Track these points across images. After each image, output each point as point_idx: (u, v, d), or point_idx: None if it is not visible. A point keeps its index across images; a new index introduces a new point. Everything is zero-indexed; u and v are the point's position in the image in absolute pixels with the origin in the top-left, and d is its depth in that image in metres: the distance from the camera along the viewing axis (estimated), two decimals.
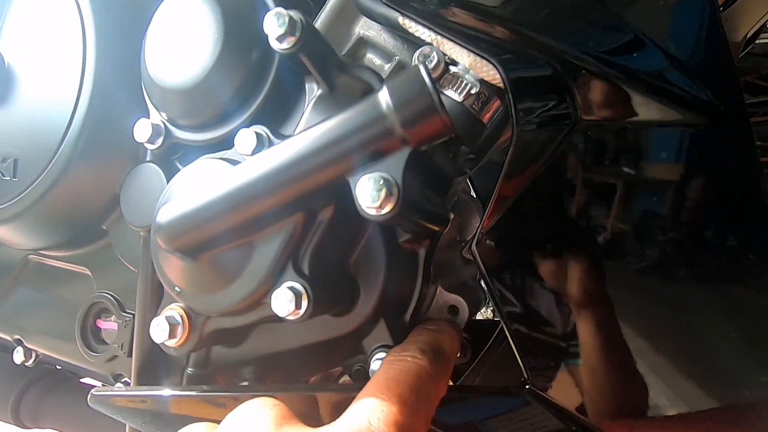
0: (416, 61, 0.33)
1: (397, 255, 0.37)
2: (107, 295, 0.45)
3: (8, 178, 0.40)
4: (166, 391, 0.34)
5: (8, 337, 0.52)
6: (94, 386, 0.58)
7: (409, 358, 0.27)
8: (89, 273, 0.47)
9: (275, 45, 0.29)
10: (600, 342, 0.33)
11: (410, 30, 0.33)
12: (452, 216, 0.41)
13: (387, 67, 0.37)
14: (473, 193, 0.53)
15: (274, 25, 0.28)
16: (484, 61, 0.31)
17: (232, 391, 0.35)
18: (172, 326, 0.33)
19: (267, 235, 0.30)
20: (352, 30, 0.39)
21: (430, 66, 0.33)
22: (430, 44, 0.33)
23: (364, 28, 0.38)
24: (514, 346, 0.35)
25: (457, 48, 0.32)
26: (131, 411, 0.38)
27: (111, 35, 0.39)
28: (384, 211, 0.25)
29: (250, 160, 0.29)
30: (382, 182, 0.24)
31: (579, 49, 0.31)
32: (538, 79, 0.31)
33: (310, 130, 0.27)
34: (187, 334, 0.34)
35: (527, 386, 0.34)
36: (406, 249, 0.37)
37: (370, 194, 0.25)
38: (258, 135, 0.32)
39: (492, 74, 0.32)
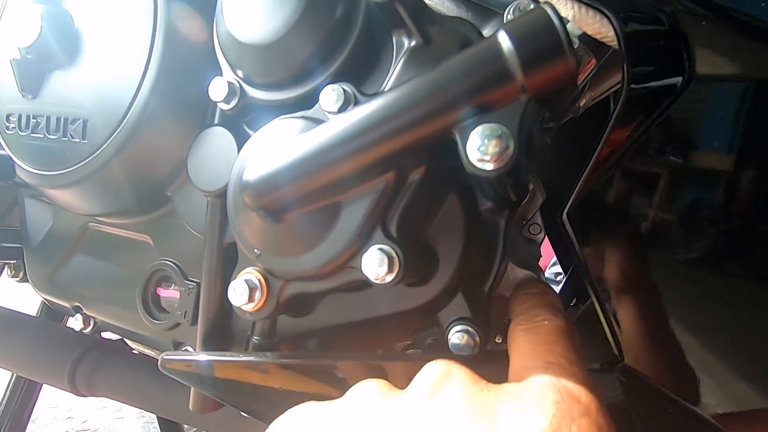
0: (509, 14, 0.31)
1: (478, 224, 0.35)
2: (169, 263, 0.44)
3: (77, 140, 0.39)
4: (245, 356, 0.34)
5: (67, 305, 0.52)
6: (146, 356, 0.58)
7: (546, 321, 0.25)
8: (150, 241, 0.46)
9: None
10: (697, 335, 0.31)
11: None
12: (531, 187, 0.39)
13: None
14: None
15: None
16: (591, 12, 0.29)
17: (313, 357, 0.34)
18: (251, 290, 0.32)
19: (356, 194, 0.28)
20: None
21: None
22: None
23: None
24: (605, 321, 0.33)
25: None
26: (200, 378, 0.37)
27: None
28: (496, 166, 0.23)
29: (342, 116, 0.27)
30: (500, 133, 0.23)
31: None
32: (653, 33, 0.28)
33: (412, 81, 0.25)
34: (265, 298, 0.33)
35: (620, 363, 0.32)
36: (487, 219, 0.35)
37: (484, 147, 0.23)
38: (344, 91, 0.30)
39: (598, 27, 0.29)
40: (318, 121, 0.31)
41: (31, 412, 0.77)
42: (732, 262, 0.29)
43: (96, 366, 0.55)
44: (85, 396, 0.57)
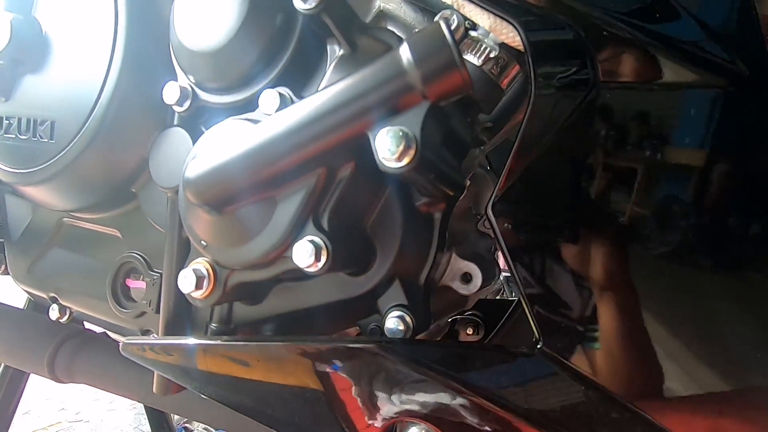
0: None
1: (414, 218, 0.38)
2: (136, 255, 0.47)
3: (46, 140, 0.42)
4: (192, 341, 0.36)
5: (44, 295, 0.55)
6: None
7: None
8: (119, 234, 0.49)
9: (299, 5, 0.30)
10: (617, 319, 0.33)
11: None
12: (468, 183, 0.42)
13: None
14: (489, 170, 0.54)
15: None
16: (505, 23, 0.31)
17: (257, 341, 0.36)
18: (199, 278, 0.35)
19: (289, 190, 0.31)
20: (372, 3, 0.40)
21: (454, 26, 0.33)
22: (451, 7, 0.33)
23: (385, 0, 0.39)
24: (526, 307, 0.36)
25: (478, 10, 0.32)
26: (159, 364, 0.40)
27: (142, 2, 0.41)
28: (402, 164, 0.26)
29: (273, 117, 0.30)
30: (401, 134, 0.25)
31: (603, 11, 0.31)
32: (559, 42, 0.31)
33: (331, 87, 0.28)
34: (212, 286, 0.35)
35: (538, 346, 0.35)
36: (423, 212, 0.38)
37: (389, 146, 0.26)
38: (281, 95, 0.33)
39: (512, 36, 0.32)
40: (256, 122, 0.34)
41: (17, 404, 0.80)
42: (641, 257, 0.32)
43: (75, 353, 0.58)
44: (65, 382, 0.60)
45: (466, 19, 0.34)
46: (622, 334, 0.34)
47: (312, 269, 0.31)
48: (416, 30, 0.38)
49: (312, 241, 0.31)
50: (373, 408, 0.36)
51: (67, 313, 0.54)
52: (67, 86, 0.41)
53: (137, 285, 0.49)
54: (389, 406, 0.35)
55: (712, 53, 0.30)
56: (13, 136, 0.44)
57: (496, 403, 0.33)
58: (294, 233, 0.32)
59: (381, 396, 0.35)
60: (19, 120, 0.44)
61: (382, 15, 0.40)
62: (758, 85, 0.29)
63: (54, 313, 0.54)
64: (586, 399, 0.34)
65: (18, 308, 0.64)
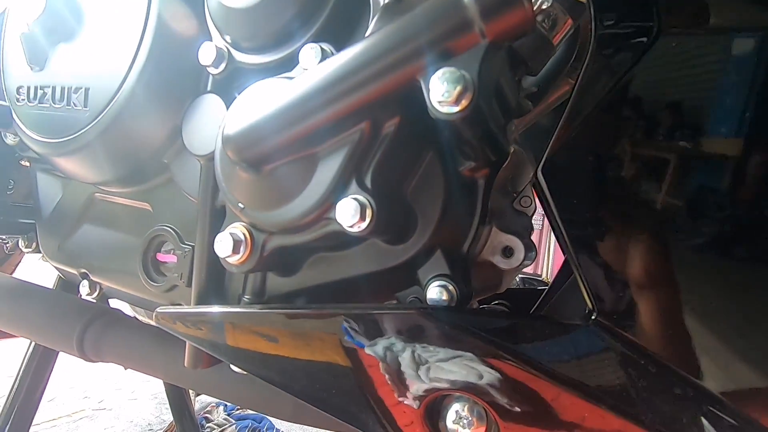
0: None
1: (457, 183, 0.36)
2: (167, 228, 0.47)
3: (80, 108, 0.42)
4: (229, 308, 0.35)
5: (75, 271, 0.55)
6: (149, 324, 0.61)
7: None
8: (149, 208, 0.48)
9: None
10: (675, 291, 0.31)
11: None
12: (513, 150, 0.40)
13: None
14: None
15: None
16: None
17: (294, 309, 0.35)
18: (236, 242, 0.34)
19: (332, 146, 0.30)
20: None
21: None
22: None
23: None
24: (579, 276, 0.33)
25: None
26: (193, 335, 0.39)
27: None
28: (457, 108, 0.24)
29: (316, 68, 0.28)
30: (458, 75, 0.24)
31: None
32: None
33: (379, 32, 0.27)
34: (249, 251, 0.34)
35: (593, 317, 0.33)
36: (466, 178, 0.36)
37: (445, 88, 0.24)
38: (323, 50, 0.31)
39: None
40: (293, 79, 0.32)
41: (44, 387, 0.81)
42: (705, 225, 0.30)
43: (103, 332, 0.57)
44: (93, 361, 0.59)
45: None
46: (681, 308, 0.31)
47: (355, 228, 0.29)
48: None
49: (356, 199, 0.29)
50: (416, 382, 0.34)
51: (98, 289, 0.54)
52: (100, 53, 0.41)
53: (168, 259, 0.48)
54: (432, 379, 0.33)
55: None
56: (48, 105, 0.44)
57: (548, 375, 0.31)
58: (337, 192, 0.30)
59: (423, 369, 0.33)
60: (53, 89, 0.43)
61: None
62: None
63: (84, 289, 0.54)
64: (644, 372, 0.32)
65: (47, 287, 0.64)
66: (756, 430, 0.28)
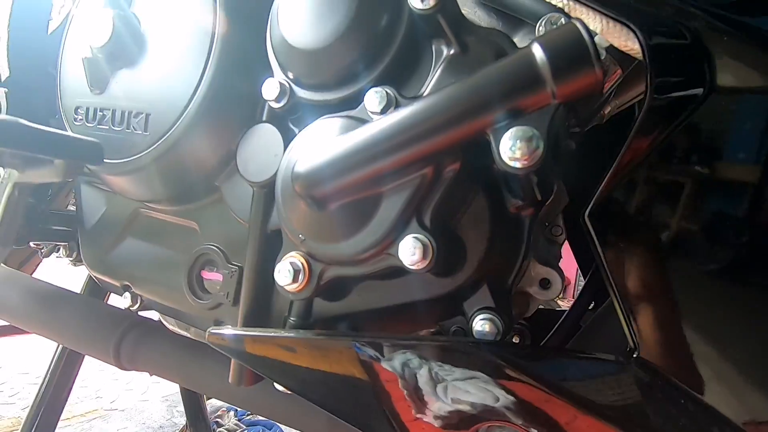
0: (542, 27, 0.34)
1: (504, 220, 0.37)
2: (213, 248, 0.48)
3: (140, 132, 0.44)
4: (290, 333, 0.37)
5: (117, 283, 0.57)
6: (183, 336, 0.62)
7: None
8: (196, 227, 0.50)
9: (415, 5, 0.30)
10: (715, 333, 0.32)
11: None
12: (555, 188, 0.42)
13: None
14: None
15: None
16: (618, 26, 0.31)
17: (353, 336, 0.37)
18: (296, 272, 0.35)
19: (396, 187, 0.31)
20: None
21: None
22: (558, 9, 0.33)
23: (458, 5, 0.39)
24: (622, 314, 0.35)
25: (589, 12, 0.32)
26: (244, 354, 0.41)
27: (240, 3, 0.42)
28: (526, 165, 0.26)
29: (390, 115, 0.30)
30: (530, 135, 0.25)
31: (714, 11, 0.30)
32: (676, 46, 0.30)
33: (452, 86, 0.28)
34: (306, 280, 0.36)
35: (635, 355, 0.34)
36: (513, 216, 0.38)
37: (517, 146, 0.26)
38: (387, 94, 0.33)
39: (623, 40, 0.32)
40: (361, 120, 0.34)
41: (70, 389, 0.83)
42: (751, 271, 0.31)
43: (139, 342, 0.59)
44: (127, 369, 0.61)
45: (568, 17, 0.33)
46: (721, 350, 0.33)
47: (417, 267, 0.31)
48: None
49: (417, 238, 0.31)
50: (460, 412, 0.35)
51: (139, 301, 0.56)
52: (163, 81, 0.43)
53: (212, 276, 0.50)
54: (478, 409, 0.35)
55: None
56: (107, 127, 0.46)
57: (595, 413, 0.32)
58: (398, 230, 0.32)
59: (471, 399, 0.35)
60: (114, 112, 0.45)
61: None
62: None
63: (126, 300, 0.55)
64: (684, 411, 0.33)
65: (81, 294, 0.66)
66: None
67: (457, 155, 0.31)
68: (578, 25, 0.25)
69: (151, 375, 0.59)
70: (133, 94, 0.44)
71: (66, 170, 0.33)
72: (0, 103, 0.50)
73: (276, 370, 0.40)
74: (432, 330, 0.44)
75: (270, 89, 0.38)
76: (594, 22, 0.32)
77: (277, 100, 0.38)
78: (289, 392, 0.41)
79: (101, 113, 0.46)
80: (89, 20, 0.47)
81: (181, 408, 1.53)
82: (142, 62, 0.44)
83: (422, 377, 0.36)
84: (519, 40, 0.38)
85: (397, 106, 0.33)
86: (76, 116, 0.48)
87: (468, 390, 0.34)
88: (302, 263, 0.36)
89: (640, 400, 0.33)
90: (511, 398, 0.33)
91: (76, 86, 0.49)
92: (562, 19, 0.33)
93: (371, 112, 0.34)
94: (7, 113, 0.49)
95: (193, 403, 1.11)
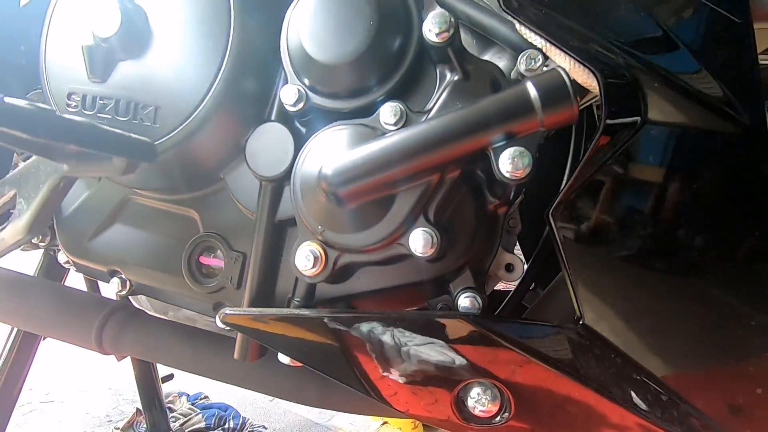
0: (523, 62, 0.41)
1: (484, 216, 0.46)
2: (215, 235, 0.51)
3: (149, 124, 0.45)
4: (307, 312, 0.42)
5: (103, 269, 0.57)
6: (161, 318, 0.64)
7: None
8: (195, 215, 0.52)
9: (431, 38, 0.37)
10: (644, 304, 0.42)
11: (524, 35, 0.41)
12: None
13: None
14: None
15: (436, 23, 0.36)
16: (582, 68, 0.40)
17: (362, 314, 0.43)
18: (315, 258, 0.40)
19: (408, 189, 0.38)
20: None
21: (535, 66, 0.41)
22: (536, 48, 0.41)
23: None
24: (573, 291, 0.45)
25: (561, 54, 0.40)
26: (251, 331, 0.45)
27: (254, 4, 0.45)
28: (520, 177, 0.34)
29: (409, 130, 0.36)
30: (525, 154, 0.33)
31: (648, 60, 0.40)
32: (622, 86, 0.40)
33: (462, 110, 0.35)
34: (323, 266, 0.41)
35: (580, 322, 0.44)
36: (491, 212, 0.46)
37: (515, 163, 0.33)
38: (400, 109, 0.39)
39: (585, 78, 0.40)
40: (374, 129, 0.40)
41: (25, 376, 0.79)
42: (666, 258, 0.42)
43: (123, 326, 0.60)
44: (110, 354, 0.62)
45: (546, 58, 0.42)
46: (646, 318, 0.43)
47: (426, 255, 0.38)
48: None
49: (425, 231, 0.38)
50: (448, 373, 0.43)
51: (128, 286, 0.57)
52: (176, 75, 0.45)
53: (212, 262, 0.53)
54: (462, 369, 0.43)
55: (726, 106, 0.40)
56: (109, 116, 0.46)
57: (550, 365, 0.42)
58: (408, 224, 0.38)
59: (456, 363, 0.43)
60: (117, 102, 0.46)
61: None
62: (756, 135, 0.40)
63: (114, 286, 0.56)
64: (614, 364, 0.44)
65: (59, 284, 0.64)
66: (678, 400, 0.41)
67: (458, 165, 0.38)
68: (562, 72, 0.33)
69: (135, 358, 0.61)
70: (140, 85, 0.45)
71: (126, 168, 0.35)
72: None
73: (284, 343, 0.46)
74: (419, 308, 0.51)
75: (288, 94, 0.42)
76: (564, 62, 0.41)
77: (294, 104, 0.43)
78: (283, 367, 0.46)
79: (102, 102, 0.47)
80: (89, 6, 0.47)
81: (127, 396, 1.48)
82: (151, 55, 0.45)
83: (417, 346, 0.43)
84: (489, 57, 0.46)
85: (407, 118, 0.39)
86: (69, 101, 0.48)
87: (451, 355, 0.42)
88: (320, 251, 0.41)
89: (581, 354, 0.43)
90: (491, 358, 0.41)
91: (67, 71, 0.48)
92: (539, 56, 0.41)
93: (385, 123, 0.39)
94: None
95: (148, 388, 1.10)
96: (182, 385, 1.39)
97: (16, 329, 0.78)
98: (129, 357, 0.85)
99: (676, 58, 0.42)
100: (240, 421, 1.28)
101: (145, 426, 1.17)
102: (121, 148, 0.35)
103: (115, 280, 0.56)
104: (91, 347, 0.61)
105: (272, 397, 1.77)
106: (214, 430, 1.23)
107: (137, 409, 1.23)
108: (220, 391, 1.44)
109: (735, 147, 0.41)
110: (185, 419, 1.24)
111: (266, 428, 1.33)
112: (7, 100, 0.27)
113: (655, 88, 0.40)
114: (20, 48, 0.56)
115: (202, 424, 1.24)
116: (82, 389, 1.45)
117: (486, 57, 0.46)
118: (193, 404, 1.32)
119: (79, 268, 0.60)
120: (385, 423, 1.63)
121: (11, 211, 0.44)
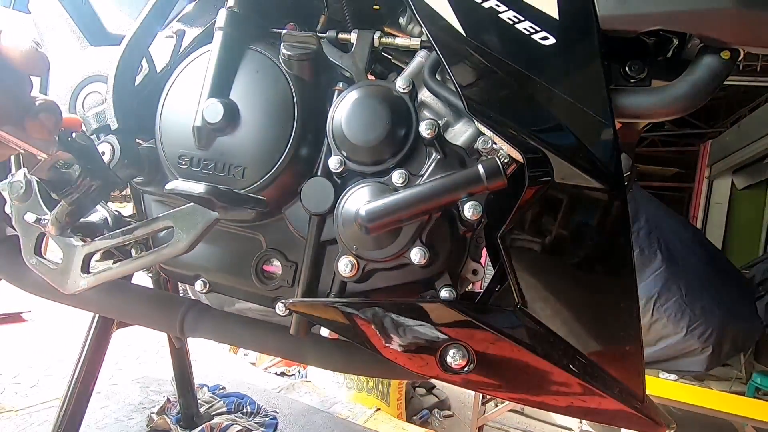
0: (480, 143, 0.67)
1: (457, 238, 0.71)
2: (276, 251, 0.75)
3: (238, 179, 0.69)
4: (349, 300, 0.67)
5: (189, 274, 0.80)
6: (224, 311, 0.87)
7: None
8: (260, 236, 0.76)
9: (424, 134, 0.62)
10: (568, 296, 0.68)
11: (479, 128, 0.66)
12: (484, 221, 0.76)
13: (441, 122, 0.71)
14: None
15: (427, 126, 0.61)
16: (512, 147, 0.66)
17: (376, 302, 0.67)
18: (352, 266, 0.65)
19: (411, 224, 0.63)
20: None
21: (488, 147, 0.67)
22: (485, 135, 0.67)
23: (425, 95, 0.72)
24: (515, 286, 0.70)
25: (501, 139, 0.66)
26: (311, 315, 0.69)
27: (309, 97, 0.70)
28: (476, 218, 0.59)
29: (412, 189, 0.61)
30: (478, 205, 0.59)
31: (552, 142, 0.66)
32: (539, 159, 0.66)
33: (443, 179, 0.61)
34: (356, 271, 0.66)
35: (518, 307, 0.70)
36: (461, 235, 0.72)
37: (474, 211, 0.59)
38: (406, 174, 0.64)
39: (515, 153, 0.66)
40: (388, 187, 0.65)
41: (102, 362, 1.01)
42: (589, 263, 0.68)
43: (199, 317, 0.83)
44: (187, 337, 0.85)
45: (493, 141, 0.68)
46: (572, 307, 0.69)
47: (420, 263, 0.63)
48: (445, 119, 0.72)
49: (420, 249, 0.63)
50: (433, 339, 0.68)
51: (208, 286, 0.80)
52: (258, 146, 0.69)
53: (271, 269, 0.76)
54: (442, 336, 0.68)
55: (597, 169, 0.66)
56: (210, 173, 0.70)
57: (500, 334, 0.67)
58: (409, 245, 0.63)
59: (438, 332, 0.68)
60: (216, 163, 0.70)
61: (422, 104, 0.72)
62: (615, 187, 0.66)
63: (199, 285, 0.79)
64: (547, 341, 0.69)
65: (146, 286, 0.86)
66: (593, 368, 0.66)
67: (440, 209, 0.63)
68: (497, 161, 0.59)
69: (211, 341, 0.83)
70: (233, 152, 0.70)
71: (256, 216, 0.59)
72: (114, 147, 0.71)
73: (329, 321, 0.70)
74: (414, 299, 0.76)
75: (335, 164, 0.67)
76: (503, 144, 0.67)
77: (336, 168, 0.67)
78: (320, 342, 0.71)
79: (205, 162, 0.70)
80: (201, 101, 0.70)
81: (153, 388, 1.68)
82: (240, 132, 0.70)
83: (413, 322, 0.68)
84: (462, 123, 0.71)
85: (409, 180, 0.65)
86: (180, 162, 0.72)
87: (435, 328, 0.67)
88: (354, 261, 0.66)
89: (519, 327, 0.69)
90: (465, 328, 0.66)
91: (178, 138, 0.72)
92: (490, 140, 0.67)
93: (396, 183, 0.65)
94: (120, 156, 0.71)
95: (183, 378, 1.31)
96: (202, 378, 1.59)
97: (95, 321, 0.99)
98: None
99: (567, 140, 0.68)
100: (255, 407, 1.50)
101: (175, 411, 1.37)
102: (255, 205, 0.59)
103: (199, 282, 0.79)
104: (175, 333, 0.83)
105: (280, 388, 1.98)
106: (235, 412, 1.44)
107: (167, 398, 1.43)
108: (234, 385, 1.65)
109: (602, 193, 0.67)
110: (209, 405, 1.44)
111: (278, 412, 1.54)
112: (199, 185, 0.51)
113: (555, 160, 0.67)
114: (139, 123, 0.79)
115: (224, 409, 1.45)
116: (113, 383, 1.63)
117: (459, 123, 0.72)
118: (213, 394, 1.53)
119: (168, 273, 0.83)
120: (378, 410, 1.86)
121: (159, 235, 0.66)
